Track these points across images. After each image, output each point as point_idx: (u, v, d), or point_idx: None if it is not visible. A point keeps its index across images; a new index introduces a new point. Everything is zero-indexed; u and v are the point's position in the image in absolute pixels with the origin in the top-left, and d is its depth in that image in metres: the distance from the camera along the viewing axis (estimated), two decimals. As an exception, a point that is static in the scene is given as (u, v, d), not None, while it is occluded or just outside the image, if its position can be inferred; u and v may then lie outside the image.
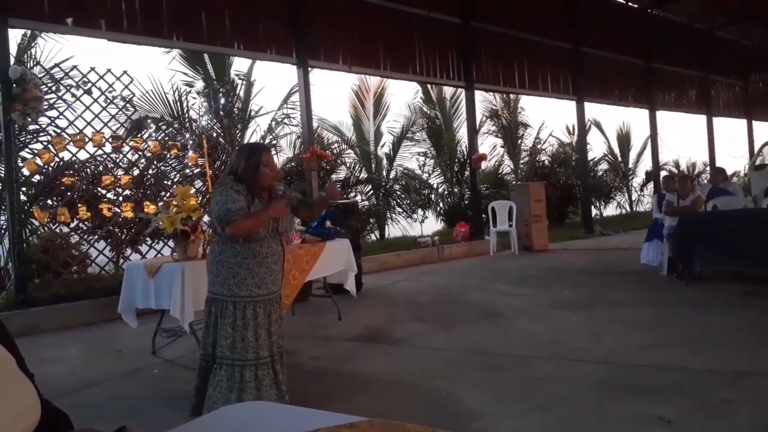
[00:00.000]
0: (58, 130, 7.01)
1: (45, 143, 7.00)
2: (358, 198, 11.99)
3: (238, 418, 1.48)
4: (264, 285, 3.24)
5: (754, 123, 20.46)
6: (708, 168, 18.49)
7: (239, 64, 10.62)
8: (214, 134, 9.28)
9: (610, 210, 17.99)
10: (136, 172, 7.69)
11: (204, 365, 3.26)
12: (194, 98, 9.64)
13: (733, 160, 19.45)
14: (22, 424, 0.83)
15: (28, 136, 7.41)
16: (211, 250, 3.33)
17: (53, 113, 7.02)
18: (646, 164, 18.04)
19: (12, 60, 6.70)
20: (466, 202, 13.35)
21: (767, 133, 20.82)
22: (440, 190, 14.16)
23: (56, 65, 7.31)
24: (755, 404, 3.16)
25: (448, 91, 14.02)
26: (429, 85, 13.62)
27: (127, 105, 7.55)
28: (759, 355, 3.97)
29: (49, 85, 7.00)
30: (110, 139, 7.16)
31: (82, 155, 7.23)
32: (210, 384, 3.19)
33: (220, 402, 3.12)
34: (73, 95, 7.04)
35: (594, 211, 15.81)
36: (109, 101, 7.26)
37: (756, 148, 16.59)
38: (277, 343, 3.35)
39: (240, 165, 3.24)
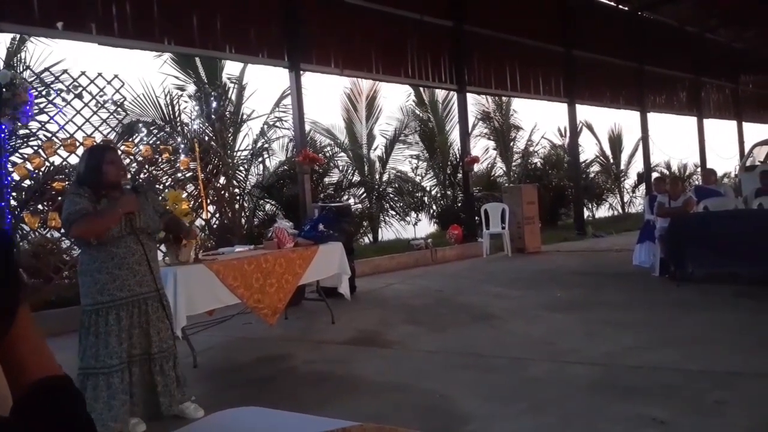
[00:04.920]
0: (49, 135, 6.97)
1: (35, 148, 6.96)
2: (351, 201, 11.98)
3: (230, 423, 1.47)
4: (127, 287, 3.16)
5: (745, 124, 20.66)
6: (699, 169, 18.62)
7: (231, 68, 10.62)
8: (206, 138, 9.25)
9: (602, 212, 18.10)
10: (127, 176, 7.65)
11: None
12: (186, 102, 9.64)
13: (724, 162, 19.61)
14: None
15: (18, 141, 7.36)
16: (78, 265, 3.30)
17: (43, 117, 6.98)
18: (637, 166, 18.21)
19: (1, 64, 6.65)
20: (459, 204, 13.37)
21: (757, 134, 20.98)
22: (433, 192, 14.19)
23: (46, 69, 7.26)
24: (747, 405, 3.17)
25: (440, 94, 14.03)
26: (421, 88, 13.64)
27: (118, 109, 7.52)
28: (751, 356, 3.99)
29: (40, 89, 6.95)
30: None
31: (73, 160, 7.19)
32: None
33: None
34: (64, 99, 6.99)
35: (586, 213, 15.89)
36: (100, 105, 7.22)
37: (746, 150, 16.74)
38: (158, 344, 3.27)
39: (82, 168, 3.24)
